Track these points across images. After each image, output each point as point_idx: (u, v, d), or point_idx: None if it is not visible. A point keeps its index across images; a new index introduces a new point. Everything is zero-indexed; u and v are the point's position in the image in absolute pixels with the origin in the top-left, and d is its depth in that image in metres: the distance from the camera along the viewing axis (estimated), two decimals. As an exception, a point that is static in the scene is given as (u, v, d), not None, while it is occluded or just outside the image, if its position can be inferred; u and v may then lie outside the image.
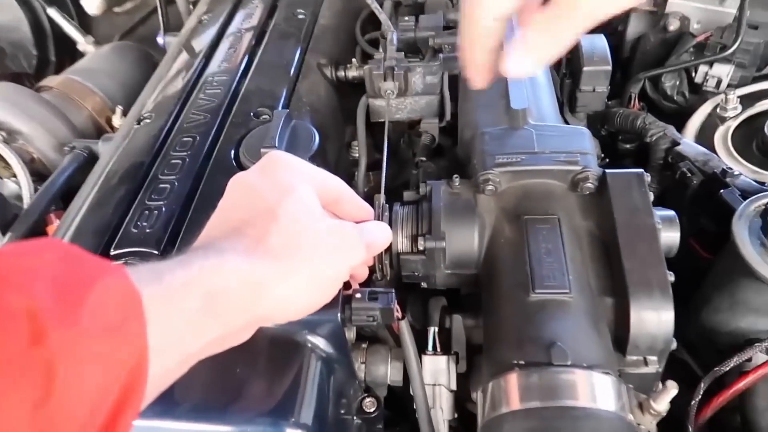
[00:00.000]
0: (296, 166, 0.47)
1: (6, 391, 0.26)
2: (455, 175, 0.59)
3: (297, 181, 0.45)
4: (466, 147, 0.64)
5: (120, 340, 0.31)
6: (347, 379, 0.53)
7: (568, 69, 0.82)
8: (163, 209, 0.58)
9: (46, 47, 1.35)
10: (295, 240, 0.42)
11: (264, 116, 0.69)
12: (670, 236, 0.55)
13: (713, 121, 0.82)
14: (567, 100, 0.80)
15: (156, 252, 0.54)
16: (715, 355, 0.64)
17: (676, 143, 0.74)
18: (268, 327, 0.48)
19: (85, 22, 1.38)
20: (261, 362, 0.47)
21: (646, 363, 0.51)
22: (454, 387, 0.56)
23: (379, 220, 0.58)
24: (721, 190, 0.64)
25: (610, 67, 0.72)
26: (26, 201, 0.87)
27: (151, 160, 0.65)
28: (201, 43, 0.86)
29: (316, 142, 0.63)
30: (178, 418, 0.45)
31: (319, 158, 0.63)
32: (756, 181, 0.67)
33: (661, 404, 0.44)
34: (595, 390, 0.44)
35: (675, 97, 0.93)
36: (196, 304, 0.36)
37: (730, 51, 0.84)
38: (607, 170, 0.56)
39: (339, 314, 0.48)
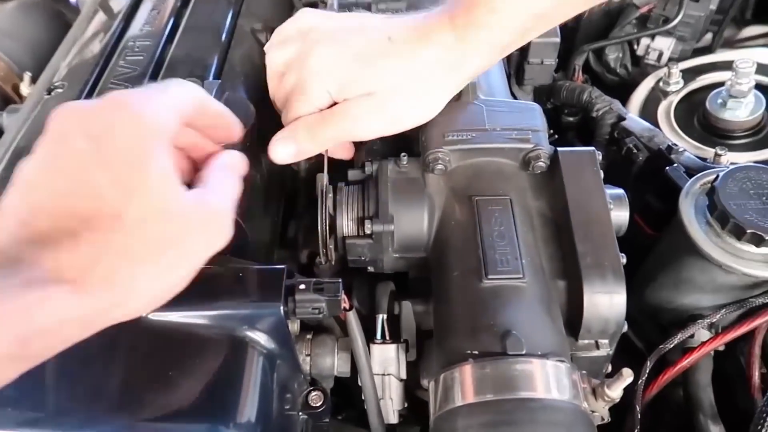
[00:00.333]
0: (145, 122, 0.36)
1: None
2: (403, 154, 0.56)
3: (148, 156, 0.35)
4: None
5: None
6: (291, 374, 0.50)
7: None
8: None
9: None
10: (143, 254, 0.35)
11: (193, 87, 0.63)
12: (620, 215, 0.55)
13: (656, 95, 0.82)
14: (514, 73, 0.78)
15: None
16: (656, 330, 0.65)
17: (621, 118, 0.73)
18: (203, 325, 0.44)
19: (-15, -25, 1.24)
20: (196, 364, 0.43)
21: (597, 346, 0.50)
22: (404, 376, 0.53)
23: (322, 203, 0.54)
24: (667, 167, 0.63)
25: (558, 39, 0.70)
26: None
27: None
28: (120, 2, 0.78)
29: (252, 116, 0.58)
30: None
31: (254, 134, 0.58)
32: (699, 157, 0.67)
33: (616, 391, 0.44)
34: (551, 380, 0.43)
35: (618, 70, 0.93)
36: (2, 350, 0.29)
37: (673, 24, 0.84)
38: (559, 149, 0.54)
39: (281, 307, 0.44)
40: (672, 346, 0.57)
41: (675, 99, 0.80)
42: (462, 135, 0.55)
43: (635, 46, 0.92)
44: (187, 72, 0.65)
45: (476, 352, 0.44)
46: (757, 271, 0.53)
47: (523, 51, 0.73)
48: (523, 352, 0.43)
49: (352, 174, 0.59)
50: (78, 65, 0.70)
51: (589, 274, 0.47)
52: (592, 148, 0.55)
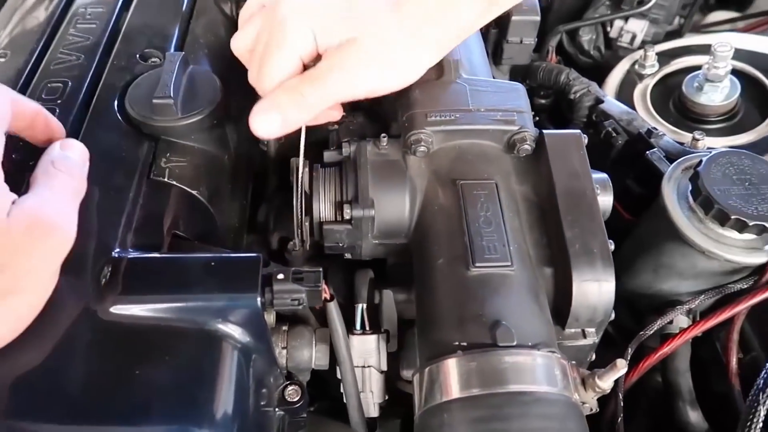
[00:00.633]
0: None
1: None
2: (383, 134, 0.53)
3: None
4: (392, 101, 0.57)
5: None
6: (267, 369, 0.46)
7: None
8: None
9: None
10: None
11: (153, 59, 0.59)
12: (604, 200, 0.53)
13: (632, 78, 0.81)
14: (492, 52, 0.75)
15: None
16: (628, 315, 0.65)
17: (599, 101, 0.72)
18: (172, 318, 0.40)
19: None
20: (165, 360, 0.39)
21: (584, 335, 0.49)
22: (384, 368, 0.51)
23: (297, 182, 0.51)
24: (647, 151, 0.63)
25: (539, 18, 0.68)
26: None
27: (9, 110, 0.53)
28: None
29: (219, 92, 0.54)
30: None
31: (221, 112, 0.54)
32: (677, 142, 0.66)
33: (607, 382, 0.43)
34: (542, 372, 0.41)
35: (591, 52, 0.92)
36: None
37: (648, 6, 0.84)
38: (545, 131, 0.53)
39: (258, 299, 0.41)
40: (651, 332, 0.56)
41: (651, 82, 0.80)
42: (445, 115, 0.53)
43: (608, 29, 0.91)
44: (146, 42, 0.61)
45: (464, 344, 0.42)
46: (739, 257, 0.53)
47: (502, 29, 0.71)
48: (514, 344, 0.42)
49: (328, 155, 0.56)
50: (22, 33, 0.63)
51: (578, 262, 0.46)
52: (578, 131, 0.53)
